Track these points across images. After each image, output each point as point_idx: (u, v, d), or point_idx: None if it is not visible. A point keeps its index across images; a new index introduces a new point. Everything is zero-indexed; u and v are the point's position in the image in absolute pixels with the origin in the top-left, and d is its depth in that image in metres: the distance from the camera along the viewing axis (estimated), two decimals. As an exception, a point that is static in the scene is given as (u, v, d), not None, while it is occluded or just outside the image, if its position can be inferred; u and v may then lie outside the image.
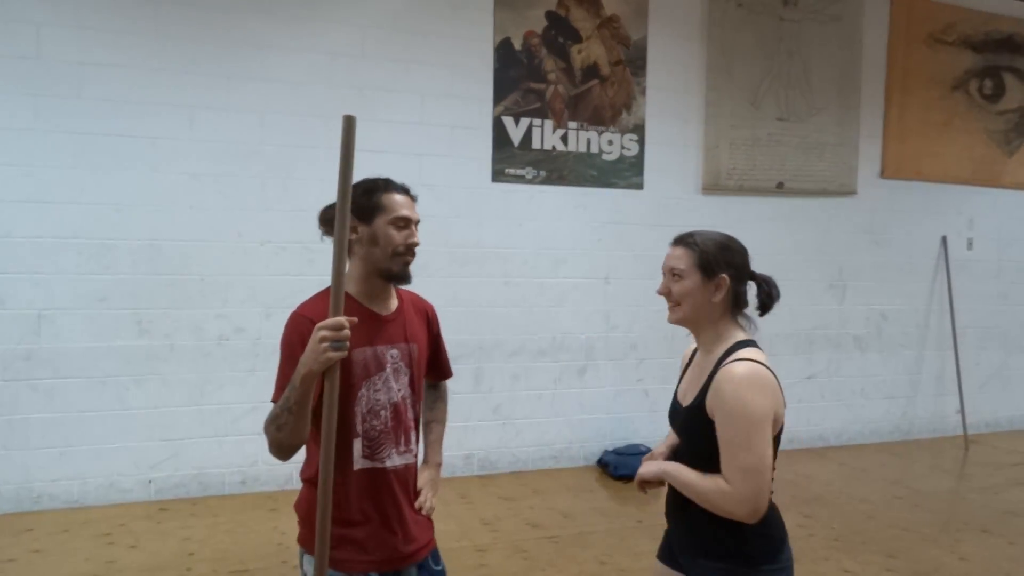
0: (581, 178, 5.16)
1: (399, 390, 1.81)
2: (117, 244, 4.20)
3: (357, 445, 1.74)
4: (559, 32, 5.06)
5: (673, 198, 5.39)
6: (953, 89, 6.27)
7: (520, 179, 5.01)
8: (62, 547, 3.63)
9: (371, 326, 1.77)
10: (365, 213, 1.74)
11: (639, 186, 5.31)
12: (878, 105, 6.02)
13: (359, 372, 1.73)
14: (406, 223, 1.77)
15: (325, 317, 1.56)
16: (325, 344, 1.50)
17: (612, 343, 5.30)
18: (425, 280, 4.84)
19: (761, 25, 5.58)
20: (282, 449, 1.64)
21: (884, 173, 6.07)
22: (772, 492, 1.73)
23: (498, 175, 4.96)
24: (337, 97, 4.52)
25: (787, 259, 5.70)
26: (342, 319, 1.52)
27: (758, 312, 1.73)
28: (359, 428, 1.74)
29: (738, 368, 1.57)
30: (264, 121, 4.43)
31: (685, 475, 1.66)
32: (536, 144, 5.03)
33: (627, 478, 4.81)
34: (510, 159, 4.98)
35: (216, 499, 4.35)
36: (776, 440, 1.63)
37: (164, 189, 4.26)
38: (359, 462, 1.74)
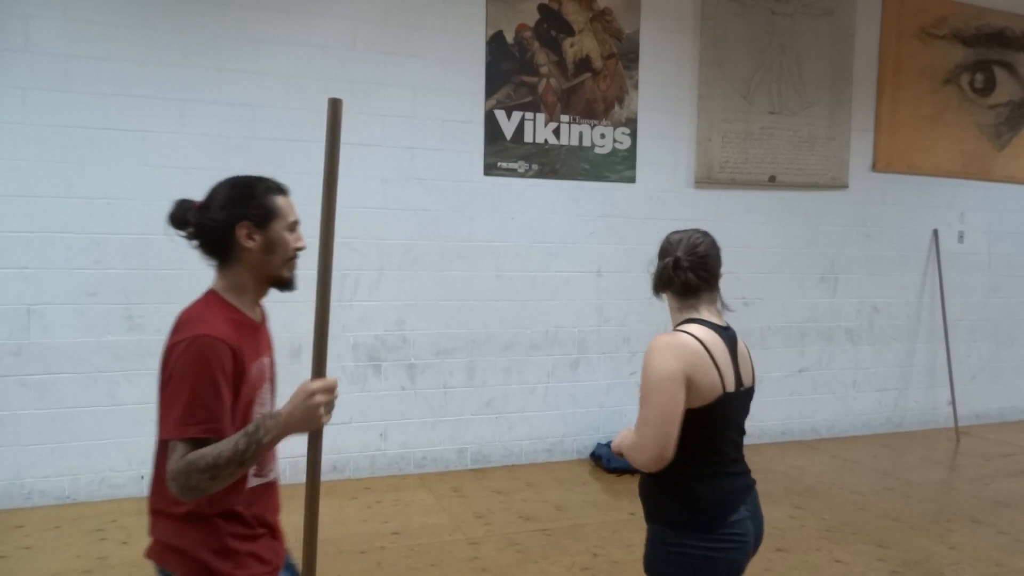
0: (573, 172, 5.15)
1: (270, 399, 1.75)
2: (107, 238, 4.18)
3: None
4: (551, 25, 5.04)
5: (665, 191, 5.39)
6: (944, 83, 6.28)
7: (512, 173, 5.00)
8: (53, 543, 3.62)
9: (256, 338, 1.65)
10: (263, 218, 1.61)
11: (631, 179, 5.31)
12: (870, 99, 6.03)
13: (256, 386, 1.62)
14: (295, 226, 1.67)
15: (239, 339, 1.50)
16: (323, 409, 1.44)
17: (604, 336, 5.31)
18: (417, 274, 4.90)
19: (753, 19, 5.58)
20: (197, 495, 1.44)
21: (876, 167, 6.09)
22: (727, 472, 1.81)
23: (490, 169, 4.95)
24: (328, 91, 4.46)
25: (779, 252, 5.71)
26: (335, 380, 1.47)
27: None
28: None
29: (659, 337, 1.78)
30: (255, 115, 4.41)
31: (623, 435, 1.86)
32: (528, 138, 5.02)
33: (620, 471, 4.83)
34: (502, 153, 4.97)
35: (209, 494, 4.34)
36: (710, 409, 1.73)
37: (154, 183, 4.23)
38: (252, 480, 1.63)
